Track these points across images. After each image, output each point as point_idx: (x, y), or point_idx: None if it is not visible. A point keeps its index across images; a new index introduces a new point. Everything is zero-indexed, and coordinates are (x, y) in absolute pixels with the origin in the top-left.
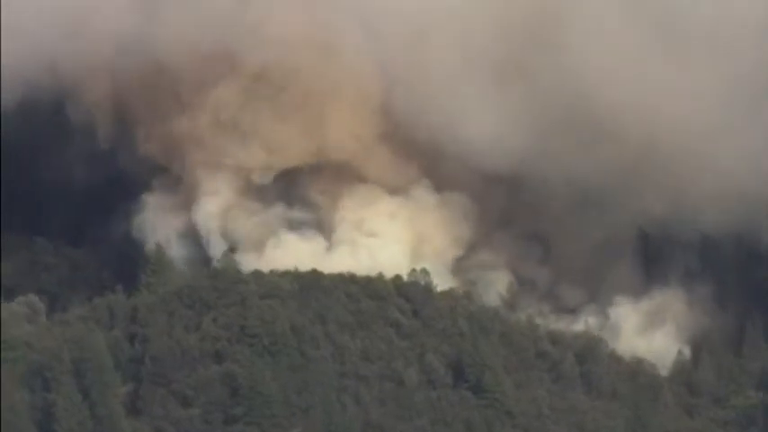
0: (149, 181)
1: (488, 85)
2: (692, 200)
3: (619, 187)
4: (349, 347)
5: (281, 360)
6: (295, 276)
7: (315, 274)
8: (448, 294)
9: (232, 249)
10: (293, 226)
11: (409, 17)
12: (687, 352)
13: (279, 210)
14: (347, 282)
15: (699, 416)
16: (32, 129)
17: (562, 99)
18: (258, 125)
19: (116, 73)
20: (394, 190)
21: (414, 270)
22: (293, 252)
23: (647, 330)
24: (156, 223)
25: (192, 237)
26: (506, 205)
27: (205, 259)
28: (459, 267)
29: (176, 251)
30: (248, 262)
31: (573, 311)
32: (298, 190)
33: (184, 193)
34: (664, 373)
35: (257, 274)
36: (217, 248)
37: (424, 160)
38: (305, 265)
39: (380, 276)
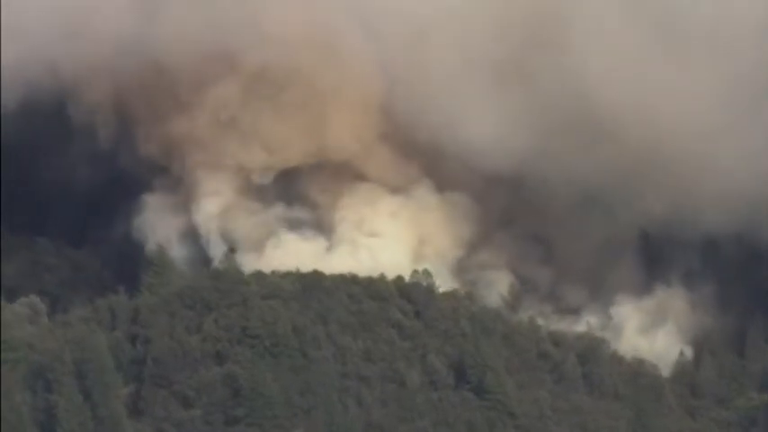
0: (150, 181)
1: (489, 85)
2: (693, 200)
3: (620, 187)
4: (351, 348)
5: (283, 361)
6: (297, 277)
7: (316, 275)
8: (450, 295)
9: (232, 249)
10: (293, 226)
11: (409, 17)
12: (689, 352)
13: (279, 210)
14: (349, 282)
15: (701, 416)
16: (33, 129)
17: (562, 99)
18: (258, 125)
19: (116, 73)
20: (395, 190)
21: (416, 271)
22: (293, 252)
23: (649, 331)
24: (157, 223)
25: (193, 237)
26: (507, 205)
27: (205, 259)
28: (460, 267)
29: (176, 251)
30: (248, 262)
31: (574, 312)
32: (298, 190)
33: (184, 193)
34: (666, 373)
35: (259, 274)
36: (217, 249)
37: (425, 160)
38: (305, 265)
39: (382, 277)
